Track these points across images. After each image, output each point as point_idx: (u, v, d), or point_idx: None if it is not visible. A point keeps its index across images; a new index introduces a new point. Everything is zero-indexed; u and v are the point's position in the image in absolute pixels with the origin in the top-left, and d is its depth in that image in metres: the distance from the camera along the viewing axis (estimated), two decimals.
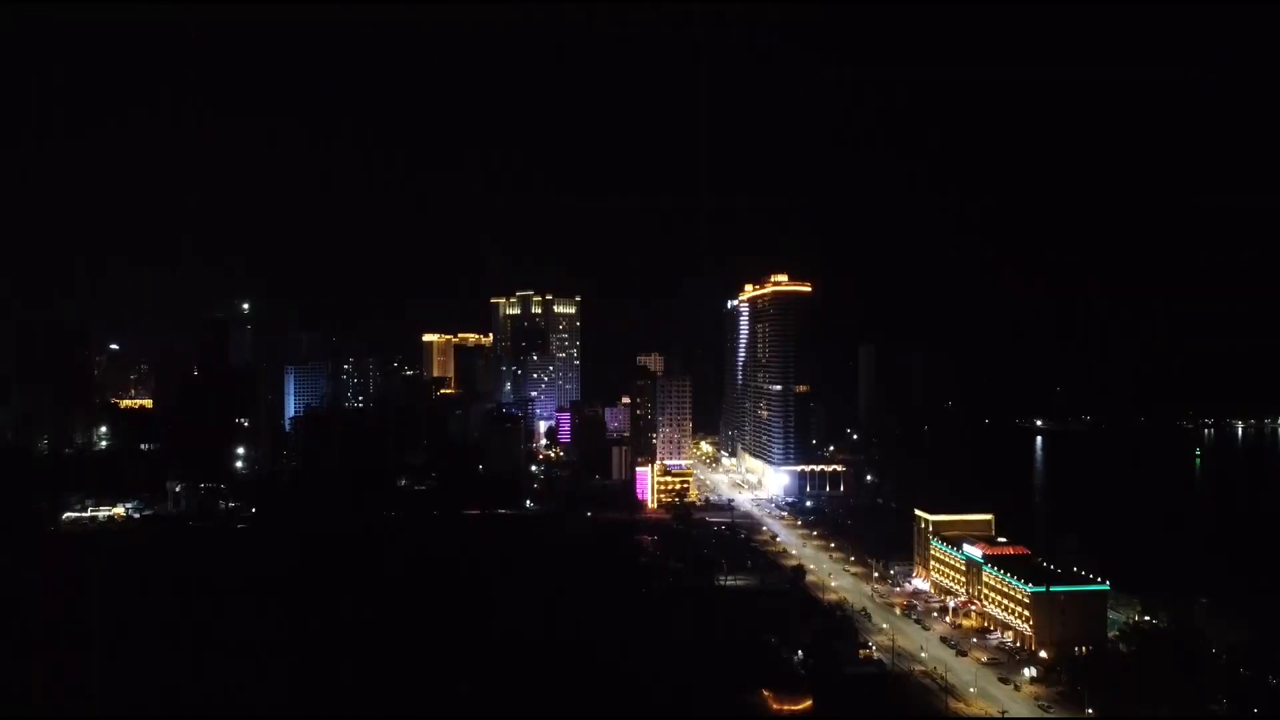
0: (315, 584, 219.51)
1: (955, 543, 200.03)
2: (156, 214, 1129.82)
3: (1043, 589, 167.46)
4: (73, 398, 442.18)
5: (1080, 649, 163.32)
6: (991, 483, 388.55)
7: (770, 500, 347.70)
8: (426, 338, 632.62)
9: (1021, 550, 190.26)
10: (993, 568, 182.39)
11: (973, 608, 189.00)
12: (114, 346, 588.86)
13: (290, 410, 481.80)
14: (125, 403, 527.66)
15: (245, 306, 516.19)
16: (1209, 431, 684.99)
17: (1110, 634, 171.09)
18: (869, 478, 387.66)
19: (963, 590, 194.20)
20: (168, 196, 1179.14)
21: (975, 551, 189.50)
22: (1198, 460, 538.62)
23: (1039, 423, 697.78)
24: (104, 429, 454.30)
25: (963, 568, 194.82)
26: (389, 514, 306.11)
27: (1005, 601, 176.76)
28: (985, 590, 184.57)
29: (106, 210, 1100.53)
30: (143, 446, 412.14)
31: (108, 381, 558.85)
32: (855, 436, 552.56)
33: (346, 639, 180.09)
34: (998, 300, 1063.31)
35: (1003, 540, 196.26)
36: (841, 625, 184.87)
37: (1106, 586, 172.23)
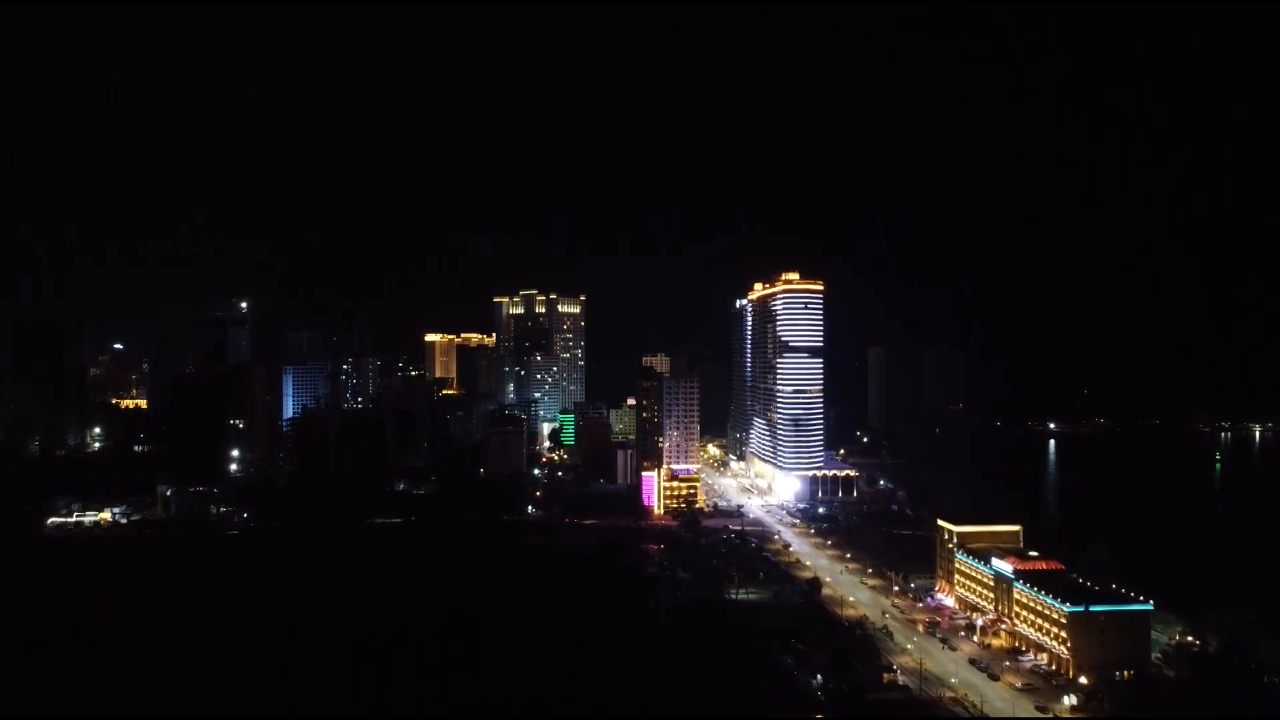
0: (304, 594, 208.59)
1: (982, 556, 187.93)
2: (157, 208, 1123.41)
3: (1081, 608, 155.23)
4: (65, 398, 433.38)
5: (1123, 673, 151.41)
6: (1009, 488, 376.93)
7: (781, 506, 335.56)
8: (429, 338, 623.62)
9: (1054, 565, 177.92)
10: (1025, 584, 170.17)
11: (1002, 626, 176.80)
12: (117, 346, 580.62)
13: (289, 411, 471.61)
14: (126, 402, 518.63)
15: (244, 305, 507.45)
16: (1226, 435, 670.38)
17: (1152, 656, 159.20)
18: (882, 483, 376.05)
19: (991, 607, 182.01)
20: (169, 189, 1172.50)
21: (1005, 566, 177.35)
22: (1217, 465, 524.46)
23: (1052, 425, 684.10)
24: (97, 430, 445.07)
25: (991, 583, 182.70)
26: (385, 520, 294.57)
27: (1039, 621, 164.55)
28: (1016, 608, 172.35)
29: (106, 204, 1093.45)
30: (136, 448, 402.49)
31: (110, 381, 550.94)
32: (865, 439, 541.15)
33: (334, 651, 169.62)
34: (1006, 301, 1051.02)
35: (1034, 554, 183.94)
36: (862, 645, 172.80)
37: (1150, 606, 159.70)
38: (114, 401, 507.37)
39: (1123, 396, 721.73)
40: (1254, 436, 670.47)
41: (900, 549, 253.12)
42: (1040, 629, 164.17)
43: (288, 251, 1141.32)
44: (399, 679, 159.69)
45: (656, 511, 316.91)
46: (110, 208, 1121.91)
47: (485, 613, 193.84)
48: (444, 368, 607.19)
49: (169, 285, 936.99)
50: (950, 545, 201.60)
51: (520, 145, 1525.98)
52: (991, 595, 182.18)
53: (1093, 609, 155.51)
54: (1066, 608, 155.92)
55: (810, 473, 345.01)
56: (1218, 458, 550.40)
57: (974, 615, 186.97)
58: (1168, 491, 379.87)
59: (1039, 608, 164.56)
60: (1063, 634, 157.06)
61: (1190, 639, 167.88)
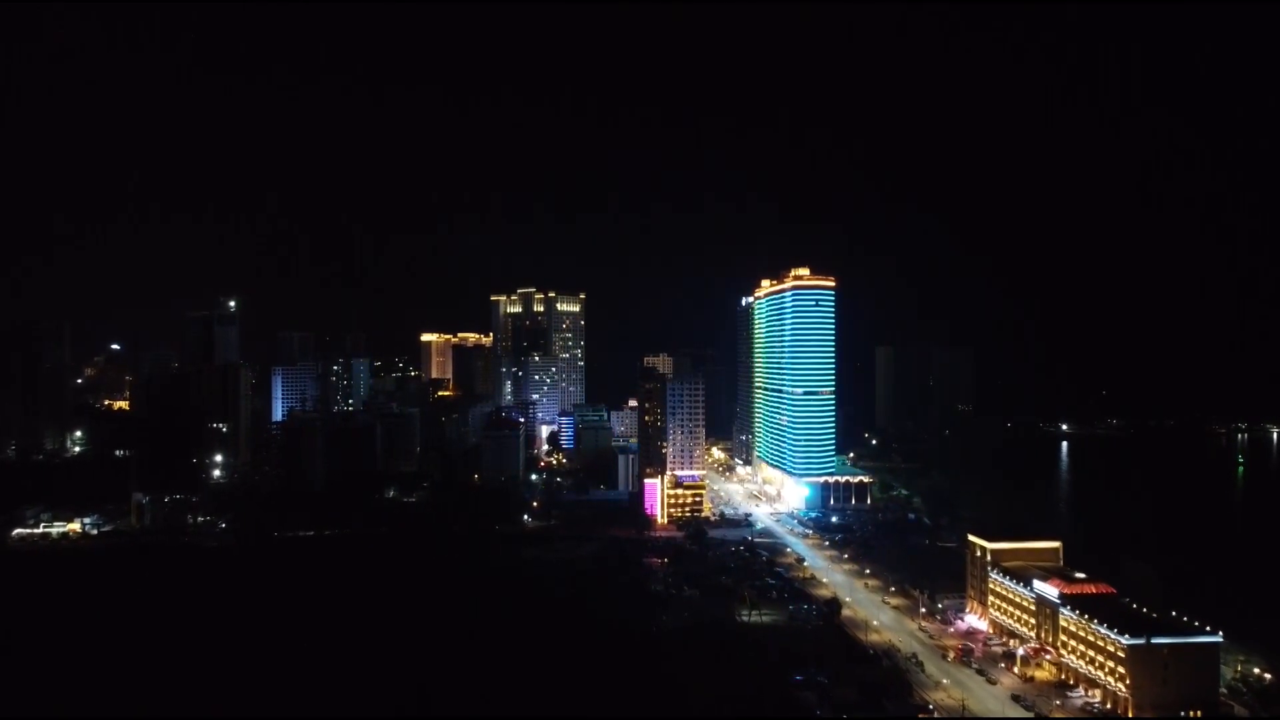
0: (273, 619, 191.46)
1: (1021, 577, 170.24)
2: (147, 202, 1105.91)
3: (1142, 640, 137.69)
4: (43, 400, 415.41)
5: (1189, 713, 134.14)
6: (1029, 495, 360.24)
7: (791, 514, 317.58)
8: (425, 337, 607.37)
9: (1104, 588, 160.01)
10: (1073, 610, 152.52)
11: (1046, 657, 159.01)
12: (115, 346, 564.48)
13: (278, 414, 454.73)
14: (119, 404, 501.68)
15: (232, 304, 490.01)
16: (1243, 436, 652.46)
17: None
18: (895, 489, 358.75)
19: (1032, 634, 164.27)
20: (159, 183, 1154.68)
21: (1049, 589, 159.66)
22: (1240, 468, 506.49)
23: (1064, 426, 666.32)
24: (78, 434, 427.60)
25: (1032, 607, 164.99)
26: (372, 530, 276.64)
27: (1090, 653, 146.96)
28: (1063, 637, 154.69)
29: (94, 200, 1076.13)
30: (117, 453, 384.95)
31: (103, 382, 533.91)
32: (874, 442, 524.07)
33: (304, 675, 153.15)
34: (1015, 299, 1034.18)
35: (1081, 575, 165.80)
36: (891, 678, 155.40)
37: (1219, 637, 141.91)
38: (106, 403, 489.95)
39: (1135, 397, 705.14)
40: (1272, 438, 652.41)
41: (921, 563, 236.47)
42: (1092, 661, 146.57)
43: (280, 244, 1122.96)
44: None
45: (660, 521, 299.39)
46: (99, 203, 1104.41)
47: (470, 637, 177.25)
48: (440, 368, 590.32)
49: (163, 283, 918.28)
50: (984, 563, 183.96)
51: (523, 125, 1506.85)
52: (1033, 621, 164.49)
53: (1155, 641, 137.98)
54: (1125, 640, 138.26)
55: (821, 479, 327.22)
56: (1240, 460, 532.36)
57: (1012, 642, 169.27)
58: (1194, 498, 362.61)
59: (1091, 638, 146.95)
60: (1120, 669, 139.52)
61: (1258, 672, 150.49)
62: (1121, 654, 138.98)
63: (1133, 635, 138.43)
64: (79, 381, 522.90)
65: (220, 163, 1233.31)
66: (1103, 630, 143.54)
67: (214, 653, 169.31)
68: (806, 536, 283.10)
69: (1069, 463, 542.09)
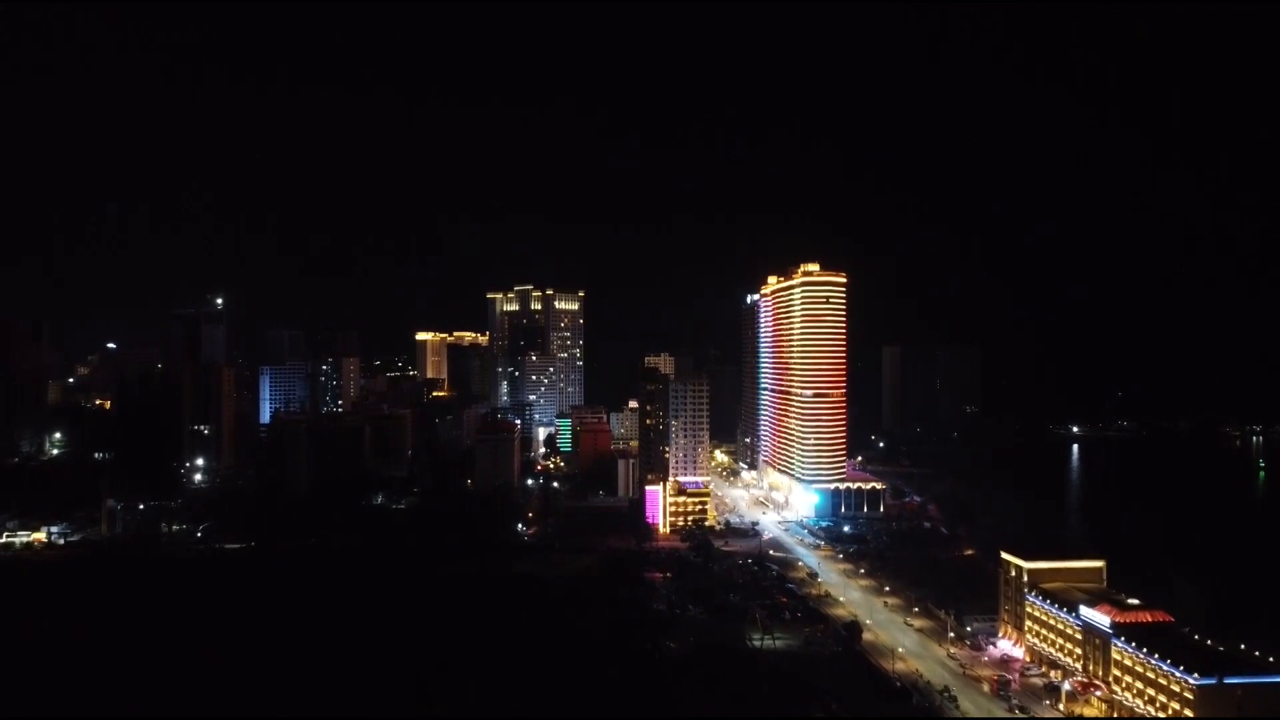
0: (239, 634, 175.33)
1: (1064, 601, 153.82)
2: (137, 198, 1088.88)
3: (1213, 680, 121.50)
4: (19, 401, 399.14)
5: None
6: (1046, 502, 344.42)
7: (800, 523, 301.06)
8: (420, 336, 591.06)
9: (1161, 616, 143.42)
10: (1128, 642, 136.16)
11: (1096, 693, 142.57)
12: (111, 345, 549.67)
13: (267, 415, 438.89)
14: (110, 403, 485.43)
15: (219, 301, 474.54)
16: (1257, 439, 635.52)
17: None
18: (908, 496, 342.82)
19: (1078, 665, 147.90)
20: (149, 180, 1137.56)
21: (1099, 617, 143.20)
22: (1260, 473, 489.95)
23: (1075, 429, 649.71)
24: (58, 435, 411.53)
25: (1077, 635, 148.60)
26: (352, 541, 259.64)
27: (1150, 691, 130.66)
28: (1116, 671, 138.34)
29: (83, 196, 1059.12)
30: (96, 456, 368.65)
31: (95, 382, 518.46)
32: (881, 445, 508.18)
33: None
34: (1022, 298, 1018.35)
35: (1134, 601, 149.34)
36: (923, 716, 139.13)
37: None
38: (99, 403, 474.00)
39: (1145, 398, 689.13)
40: None
41: (943, 577, 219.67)
42: (1152, 700, 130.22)
43: (272, 241, 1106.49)
44: None
45: (662, 530, 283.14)
46: (96, 202, 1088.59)
47: (457, 661, 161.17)
48: (436, 368, 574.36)
49: (159, 281, 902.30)
50: (1019, 583, 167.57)
51: (527, 124, 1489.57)
52: (1079, 651, 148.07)
53: (1228, 681, 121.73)
54: (1194, 680, 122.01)
55: (831, 485, 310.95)
56: (1260, 464, 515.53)
57: (1054, 674, 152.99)
58: (1219, 505, 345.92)
59: (1150, 674, 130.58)
60: (1186, 710, 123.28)
61: None
62: (1189, 695, 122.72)
63: (1202, 674, 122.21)
64: (71, 381, 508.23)
65: (215, 161, 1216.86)
66: (1165, 667, 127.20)
67: (159, 678, 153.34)
68: (818, 547, 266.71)
69: (1083, 467, 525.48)
